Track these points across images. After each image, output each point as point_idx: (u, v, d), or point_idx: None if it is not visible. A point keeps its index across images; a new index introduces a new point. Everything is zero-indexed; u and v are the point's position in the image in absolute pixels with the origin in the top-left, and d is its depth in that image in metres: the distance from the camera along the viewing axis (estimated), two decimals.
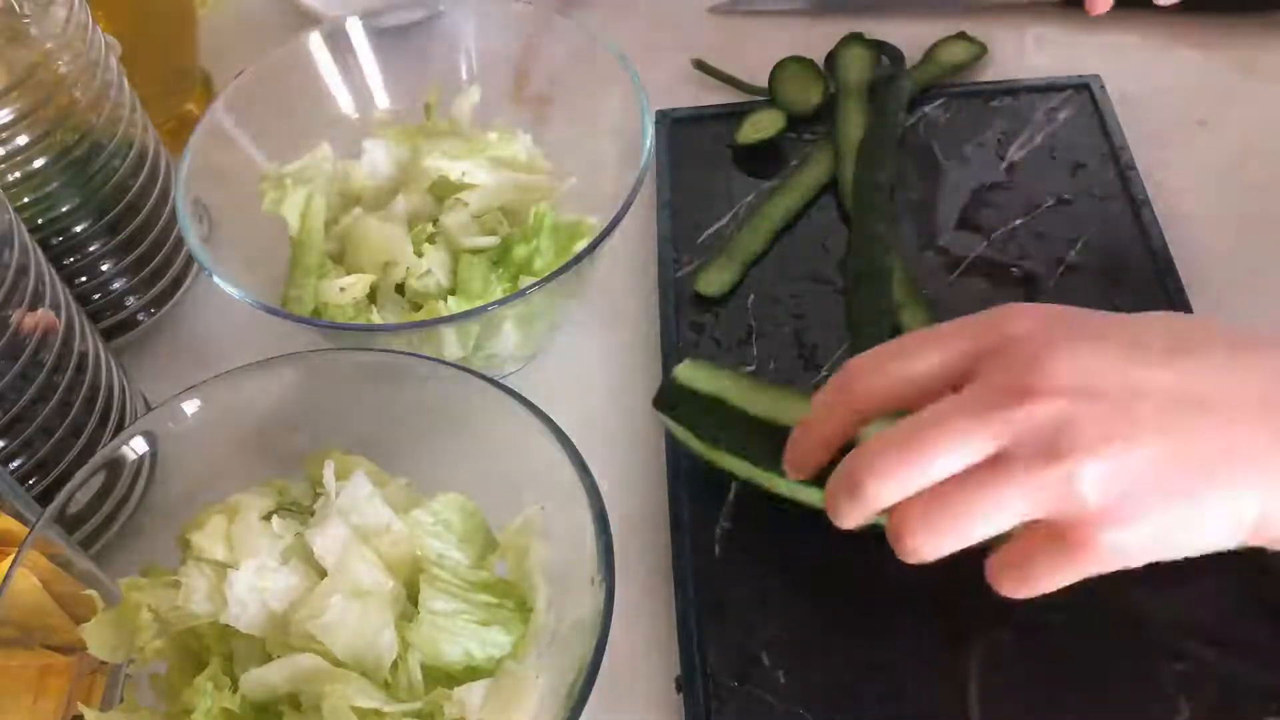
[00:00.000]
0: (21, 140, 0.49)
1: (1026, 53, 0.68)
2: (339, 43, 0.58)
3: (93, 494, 0.45)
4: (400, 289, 0.52)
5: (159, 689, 0.41)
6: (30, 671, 0.41)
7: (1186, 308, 0.52)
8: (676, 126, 0.65)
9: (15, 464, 0.46)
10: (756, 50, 0.71)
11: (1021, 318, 0.36)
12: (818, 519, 0.45)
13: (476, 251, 0.52)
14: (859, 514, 0.36)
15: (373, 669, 0.39)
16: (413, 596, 0.41)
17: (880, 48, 0.67)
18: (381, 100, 0.60)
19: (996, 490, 0.34)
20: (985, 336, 0.36)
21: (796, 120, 0.64)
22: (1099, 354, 0.34)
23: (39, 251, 0.47)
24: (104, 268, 0.55)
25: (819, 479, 0.39)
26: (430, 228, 0.53)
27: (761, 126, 0.62)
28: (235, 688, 0.39)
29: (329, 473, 0.42)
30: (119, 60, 0.55)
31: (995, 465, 0.34)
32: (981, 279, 0.55)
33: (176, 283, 0.59)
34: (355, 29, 0.58)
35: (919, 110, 0.64)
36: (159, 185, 0.57)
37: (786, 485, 0.43)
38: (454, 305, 0.50)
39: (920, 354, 0.37)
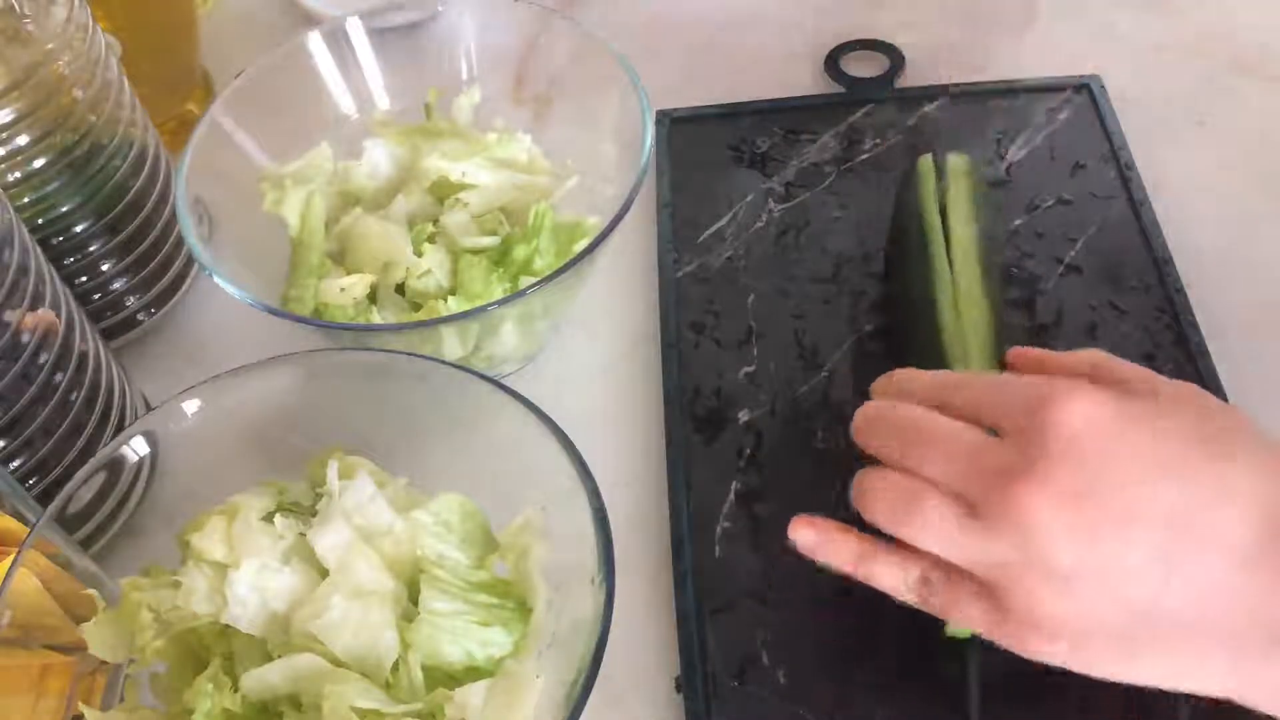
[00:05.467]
0: (21, 140, 0.49)
1: (1026, 53, 0.68)
2: (339, 43, 0.58)
3: (93, 494, 0.45)
4: (400, 289, 0.52)
5: (159, 689, 0.41)
6: (30, 671, 0.41)
7: (1186, 308, 0.52)
8: (676, 126, 0.65)
9: (15, 464, 0.46)
10: (756, 50, 0.71)
11: (1029, 516, 0.33)
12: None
13: (476, 251, 0.52)
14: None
15: (373, 669, 0.39)
16: (413, 597, 0.41)
17: (881, 48, 0.67)
18: (381, 100, 0.60)
19: (952, 553, 0.35)
20: (1026, 417, 0.35)
21: (795, 120, 0.64)
22: (1096, 539, 0.33)
23: (39, 251, 0.46)
24: (104, 268, 0.55)
25: None
26: (430, 228, 0.53)
27: None
28: (236, 688, 0.39)
29: (333, 473, 0.42)
30: (119, 60, 0.55)
31: (964, 534, 0.35)
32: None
33: (176, 283, 0.59)
34: (355, 29, 0.58)
35: (919, 110, 0.64)
36: (159, 185, 0.57)
37: None
38: (454, 305, 0.50)
39: (933, 461, 0.36)
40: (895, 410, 0.38)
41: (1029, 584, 0.34)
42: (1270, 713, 0.33)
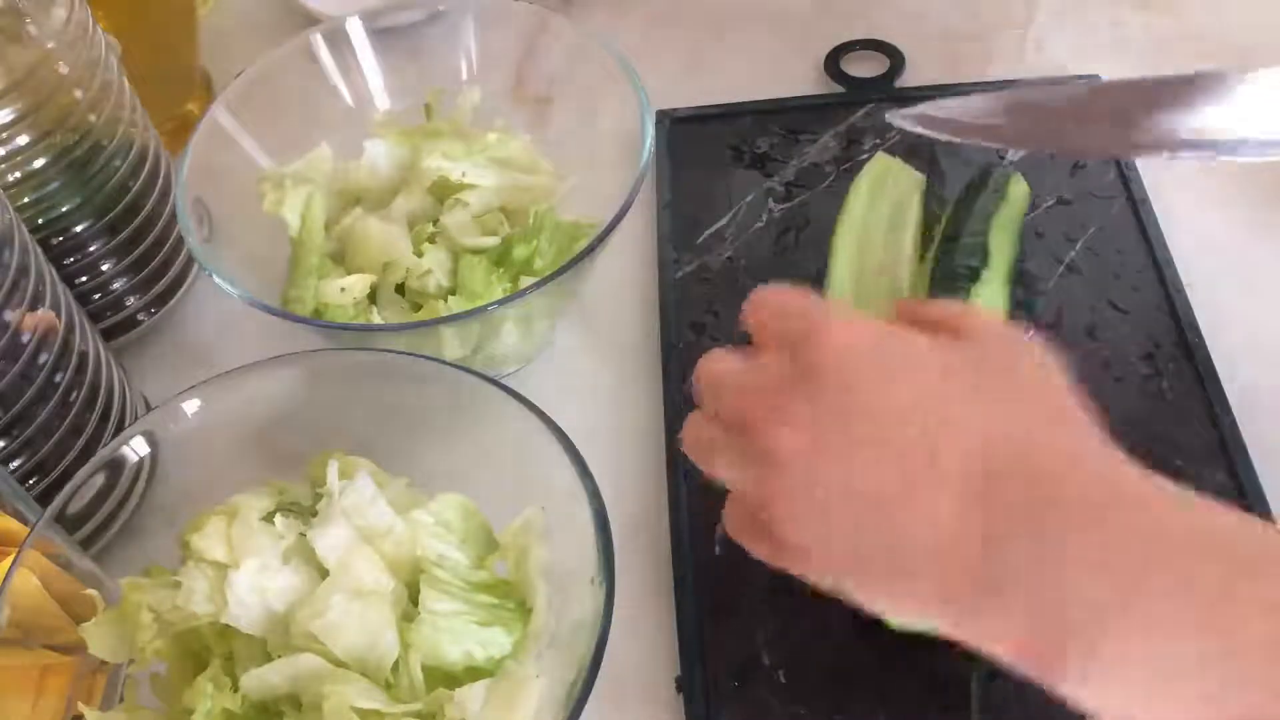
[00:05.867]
0: (21, 140, 0.49)
1: (1026, 53, 0.68)
2: (339, 43, 0.58)
3: (93, 494, 0.45)
4: (400, 289, 0.52)
5: (159, 689, 0.41)
6: (30, 671, 0.41)
7: (1186, 308, 0.52)
8: (676, 126, 0.65)
9: (15, 464, 0.46)
10: (756, 50, 0.71)
11: (771, 437, 0.34)
12: None
13: (477, 251, 0.52)
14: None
15: (374, 669, 0.39)
16: (413, 597, 0.41)
17: (881, 48, 0.67)
18: (381, 100, 0.60)
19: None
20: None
21: (795, 120, 0.64)
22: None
23: (39, 251, 0.46)
24: (104, 268, 0.55)
25: None
26: (430, 228, 0.53)
27: None
28: (236, 688, 0.39)
29: (333, 473, 0.42)
30: (119, 60, 0.55)
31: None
32: None
33: (176, 283, 0.59)
34: (355, 29, 0.58)
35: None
36: (159, 185, 0.57)
37: None
38: (454, 305, 0.50)
39: (715, 400, 0.37)
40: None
41: (771, 493, 0.34)
42: (980, 647, 0.32)
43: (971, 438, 0.33)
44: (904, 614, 0.36)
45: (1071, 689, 0.30)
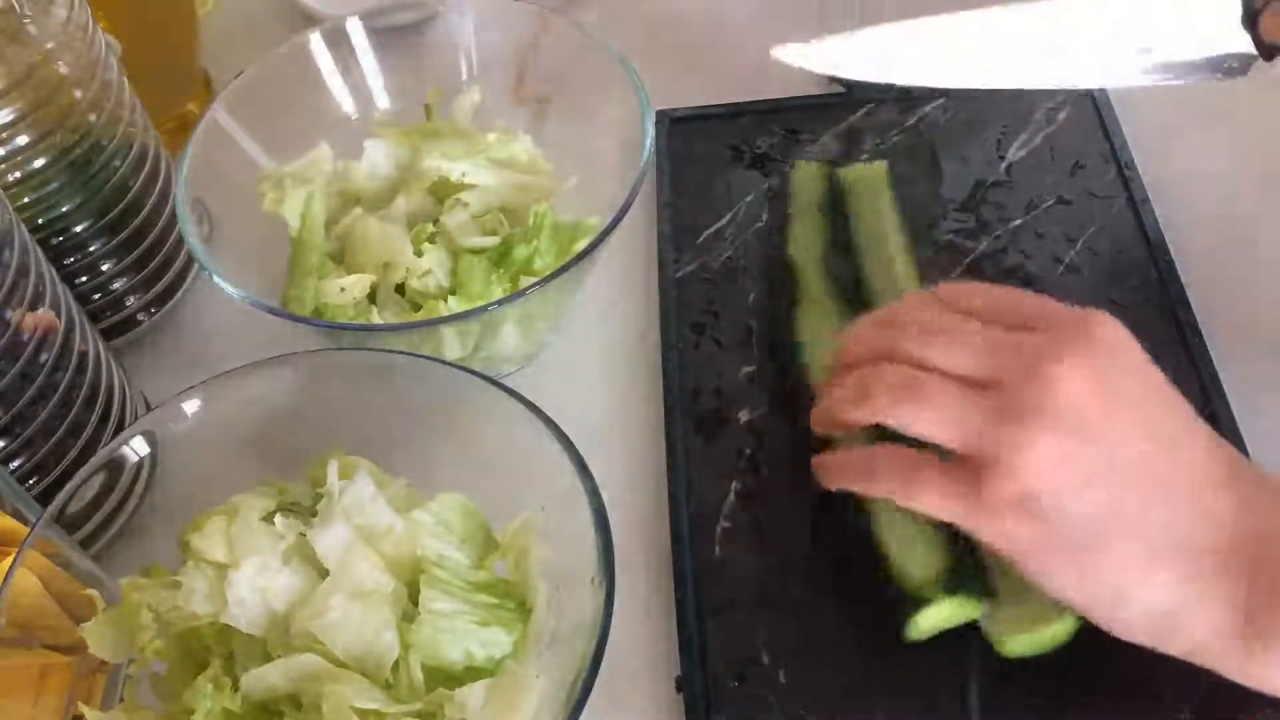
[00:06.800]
0: (21, 140, 0.49)
1: None
2: (339, 43, 0.58)
3: (93, 494, 0.45)
4: (400, 289, 0.52)
5: (159, 689, 0.41)
6: (30, 671, 0.41)
7: (1186, 308, 0.52)
8: (676, 126, 0.65)
9: (15, 464, 0.46)
10: (756, 50, 0.71)
11: (1062, 380, 0.36)
12: (819, 519, 0.45)
13: (476, 251, 0.52)
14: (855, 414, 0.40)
15: (374, 669, 0.39)
16: (413, 597, 0.41)
17: None
18: (381, 100, 0.60)
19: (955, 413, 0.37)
20: (1020, 374, 0.37)
21: (795, 120, 0.64)
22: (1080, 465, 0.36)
23: (39, 251, 0.47)
24: (104, 268, 0.55)
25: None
26: (430, 228, 0.53)
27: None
28: (236, 688, 0.39)
29: (333, 473, 0.42)
30: (119, 60, 0.55)
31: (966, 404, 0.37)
32: (981, 279, 0.55)
33: (176, 283, 0.59)
34: (355, 29, 0.58)
35: (919, 110, 0.64)
36: (159, 185, 0.57)
37: None
38: (454, 305, 0.50)
39: (961, 347, 0.39)
40: (883, 370, 0.39)
41: (1028, 455, 0.35)
42: (1201, 629, 0.36)
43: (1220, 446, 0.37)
44: (1124, 590, 0.36)
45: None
